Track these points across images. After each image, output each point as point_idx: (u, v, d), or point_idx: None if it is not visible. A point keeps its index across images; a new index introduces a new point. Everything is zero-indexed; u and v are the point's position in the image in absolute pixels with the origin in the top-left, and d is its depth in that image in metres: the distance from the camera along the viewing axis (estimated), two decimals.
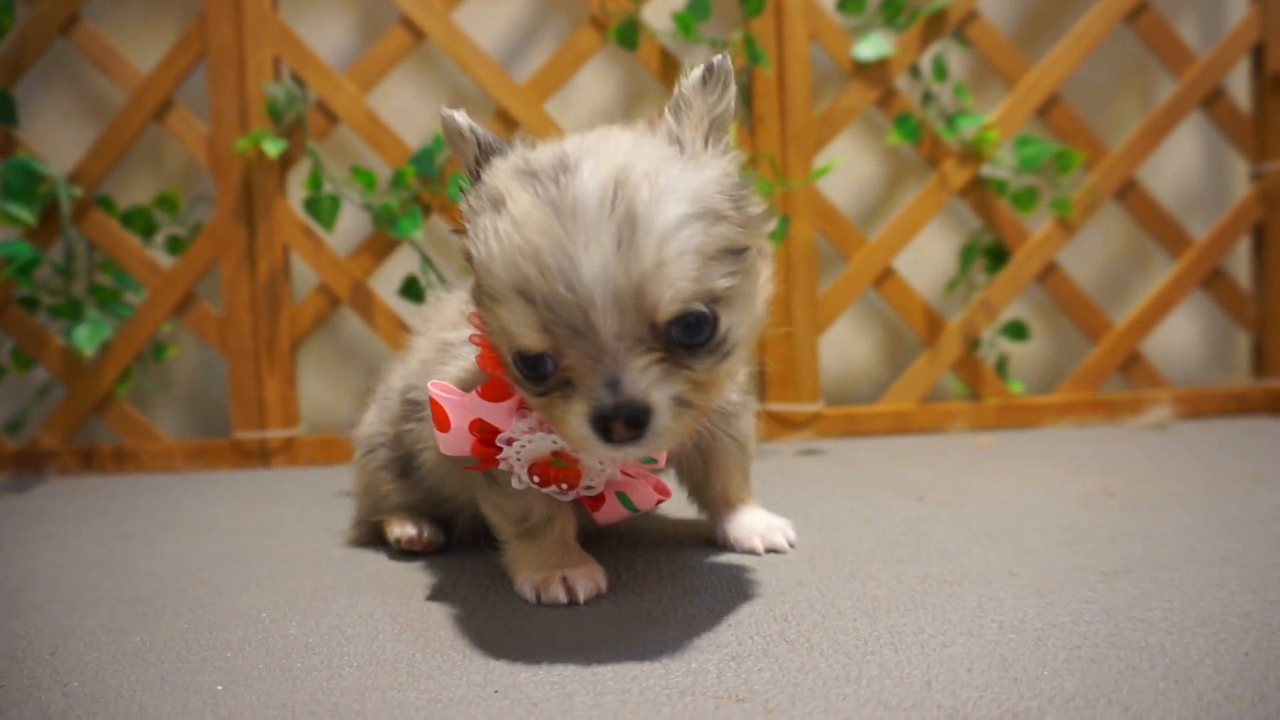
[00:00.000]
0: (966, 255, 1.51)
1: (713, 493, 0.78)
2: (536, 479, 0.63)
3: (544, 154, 0.56)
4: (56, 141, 1.46)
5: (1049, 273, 1.45)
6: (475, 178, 0.60)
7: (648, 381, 0.52)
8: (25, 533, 1.00)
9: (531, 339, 0.52)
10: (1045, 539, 0.77)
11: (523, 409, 0.61)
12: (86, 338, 1.34)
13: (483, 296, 0.56)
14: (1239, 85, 1.47)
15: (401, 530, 0.81)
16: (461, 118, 0.61)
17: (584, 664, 0.53)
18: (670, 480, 0.77)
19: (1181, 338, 1.57)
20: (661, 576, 0.71)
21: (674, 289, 0.51)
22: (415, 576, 0.75)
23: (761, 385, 1.41)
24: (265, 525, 0.99)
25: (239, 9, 1.35)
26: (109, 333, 1.37)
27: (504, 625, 0.62)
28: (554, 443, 0.60)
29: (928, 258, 1.54)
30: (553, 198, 0.52)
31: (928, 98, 1.44)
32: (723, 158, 0.59)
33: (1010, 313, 1.49)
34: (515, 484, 0.64)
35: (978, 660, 0.51)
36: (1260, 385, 1.46)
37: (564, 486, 0.63)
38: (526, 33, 1.52)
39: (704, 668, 0.52)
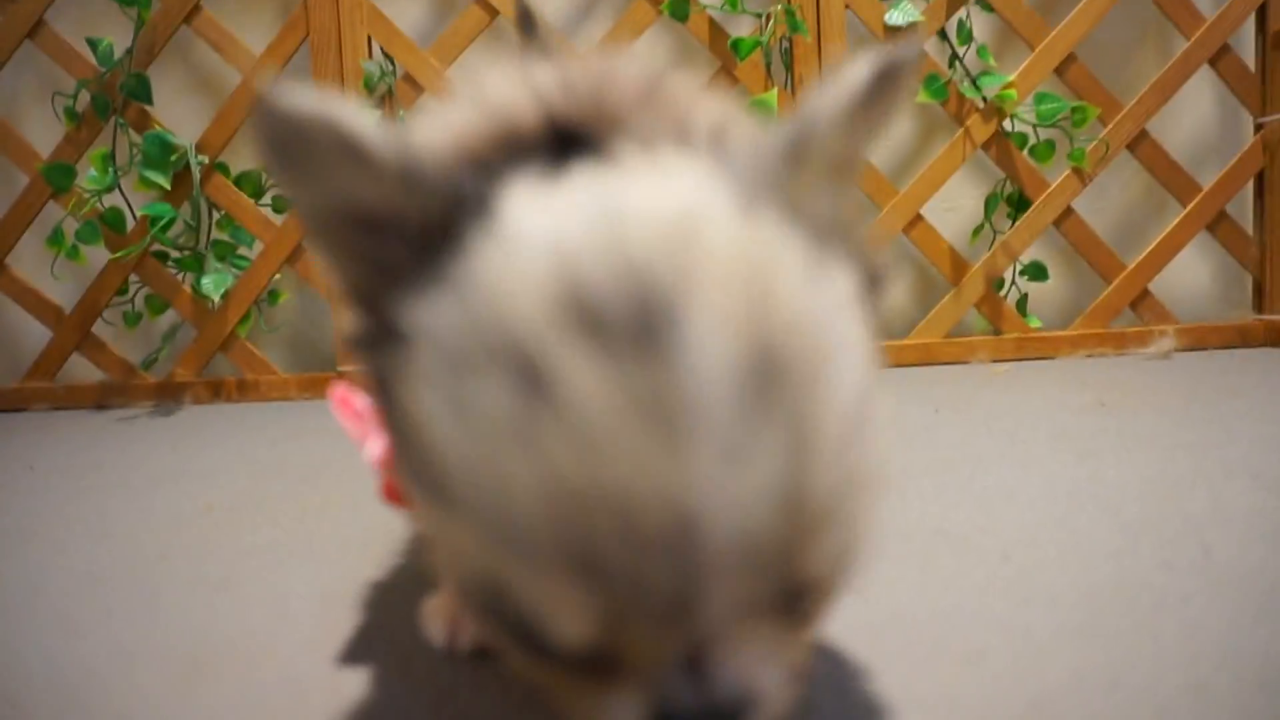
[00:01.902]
0: (990, 203, 1.65)
1: None
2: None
3: (597, 265, 0.27)
4: (175, 116, 1.66)
5: (1065, 218, 1.59)
6: (421, 259, 0.29)
7: (752, 661, 0.29)
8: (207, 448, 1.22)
9: (573, 630, 0.27)
10: (1036, 433, 0.94)
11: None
12: (213, 285, 1.55)
13: (429, 489, 0.29)
14: (1245, 44, 1.58)
15: None
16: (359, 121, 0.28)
17: None
18: None
19: (1189, 277, 1.70)
20: None
21: (851, 541, 0.29)
22: None
23: None
24: None
25: None
26: (231, 281, 1.58)
27: None
28: None
29: (955, 207, 1.68)
30: (647, 387, 0.26)
31: (953, 59, 1.58)
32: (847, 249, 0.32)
33: (1030, 255, 1.63)
34: None
35: (963, 505, 0.69)
36: (1260, 320, 1.59)
37: None
38: (585, 8, 1.68)
39: None
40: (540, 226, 0.28)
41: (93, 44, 1.54)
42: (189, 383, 1.63)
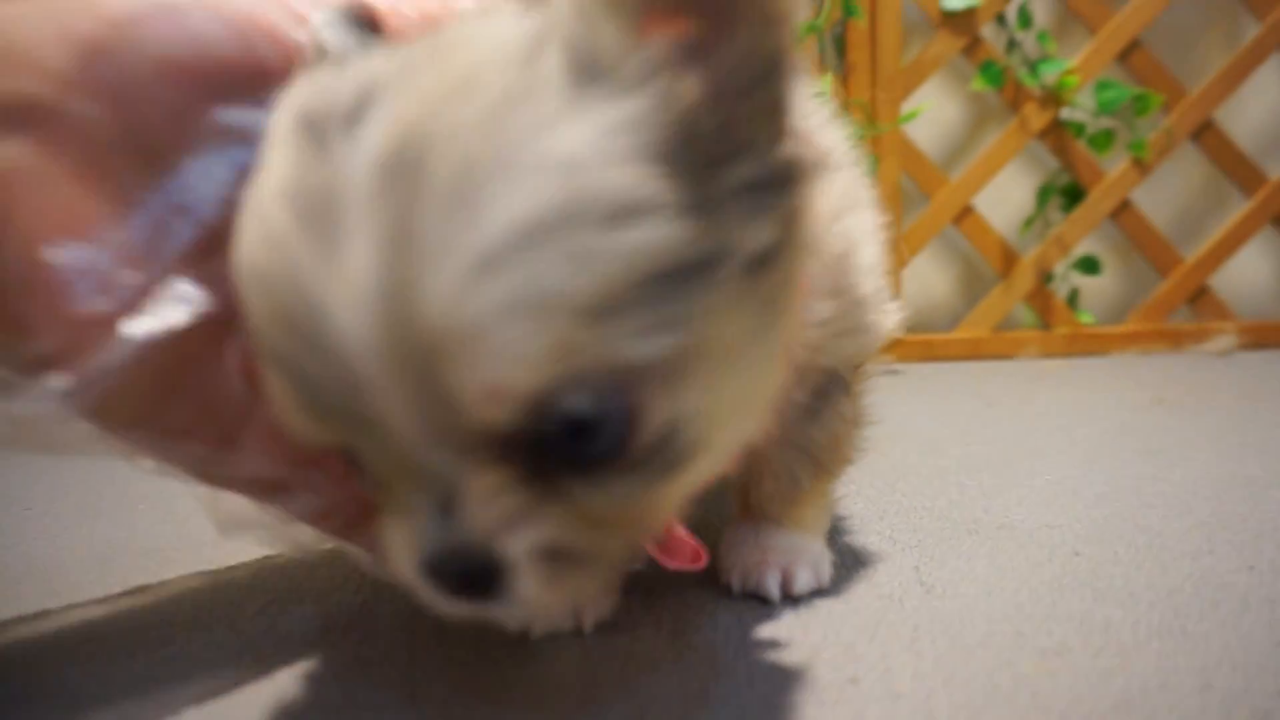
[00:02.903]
0: (1043, 194, 1.61)
1: (746, 498, 0.51)
2: None
3: (338, 78, 0.29)
4: None
5: (1122, 210, 1.54)
6: None
7: (492, 518, 0.29)
8: None
9: (302, 424, 0.30)
10: (1094, 430, 0.92)
11: None
12: None
13: None
14: None
15: None
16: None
17: None
18: None
19: (1251, 273, 1.65)
20: None
21: (495, 370, 0.26)
22: None
23: None
24: None
25: None
26: None
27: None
28: None
29: (1005, 197, 1.64)
30: (313, 175, 0.27)
31: (1012, 45, 1.54)
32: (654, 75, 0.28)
33: (1083, 248, 1.59)
34: None
35: (1028, 501, 0.67)
36: None
37: None
38: None
39: None
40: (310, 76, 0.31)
41: None
42: None
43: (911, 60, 1.51)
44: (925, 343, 1.55)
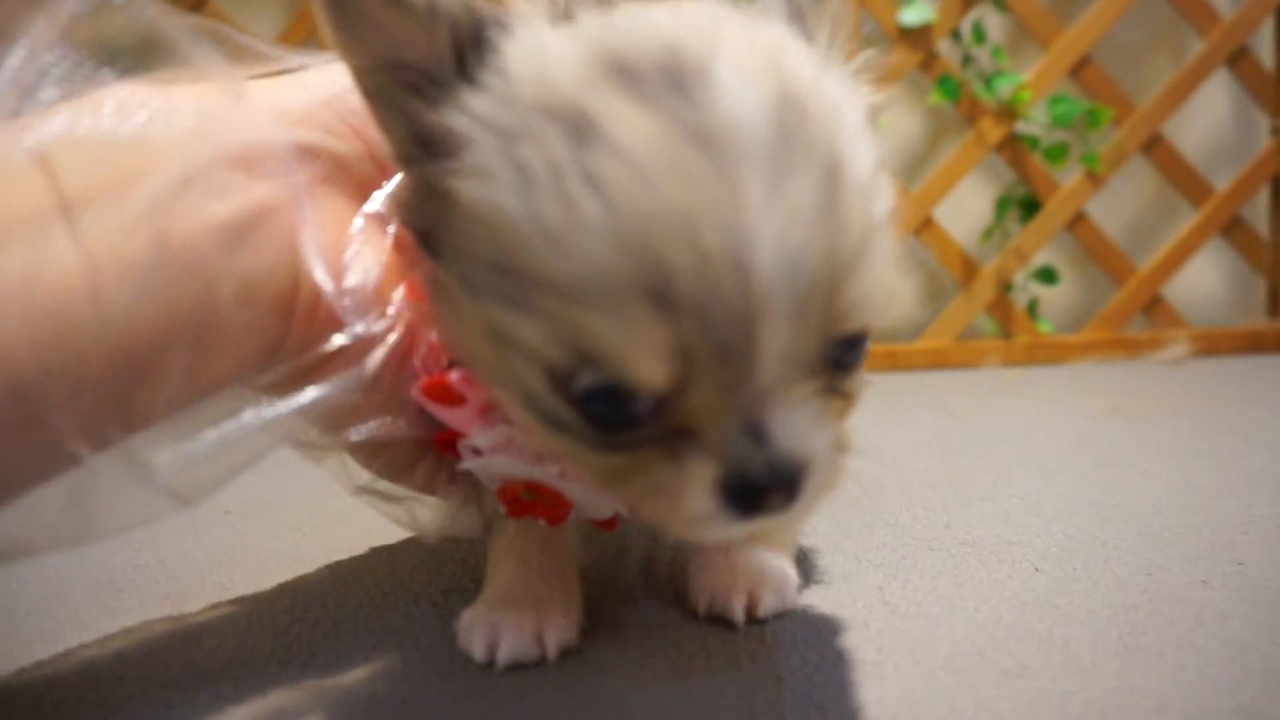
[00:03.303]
0: (1001, 206, 1.64)
1: None
2: (504, 507, 0.45)
3: (620, 34, 0.33)
4: None
5: (1078, 221, 1.58)
6: (460, 69, 0.34)
7: (805, 423, 0.33)
8: None
9: (653, 370, 0.31)
10: (1053, 440, 0.93)
11: (487, 415, 0.41)
12: None
13: (499, 289, 0.33)
14: (1264, 45, 1.57)
15: None
16: None
17: None
18: None
19: (1202, 281, 1.69)
20: None
21: (882, 280, 0.32)
22: None
23: None
24: None
25: None
26: None
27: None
28: (526, 472, 0.42)
29: (965, 209, 1.67)
30: (691, 122, 0.29)
31: (967, 60, 1.56)
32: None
33: (1041, 258, 1.62)
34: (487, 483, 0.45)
35: (989, 516, 0.68)
36: (1275, 326, 1.58)
37: (542, 521, 0.45)
38: None
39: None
40: (568, 31, 0.34)
41: None
42: None
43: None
44: (889, 353, 1.57)
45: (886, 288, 0.33)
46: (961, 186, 1.58)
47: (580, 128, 0.30)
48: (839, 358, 0.34)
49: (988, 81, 1.54)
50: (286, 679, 0.45)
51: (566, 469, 0.41)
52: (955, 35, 1.56)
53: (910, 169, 1.70)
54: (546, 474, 0.41)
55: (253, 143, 0.37)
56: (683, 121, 0.29)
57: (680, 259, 0.29)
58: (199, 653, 0.48)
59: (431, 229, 0.36)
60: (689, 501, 0.33)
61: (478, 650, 0.44)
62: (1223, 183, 1.59)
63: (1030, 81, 1.52)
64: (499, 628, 0.44)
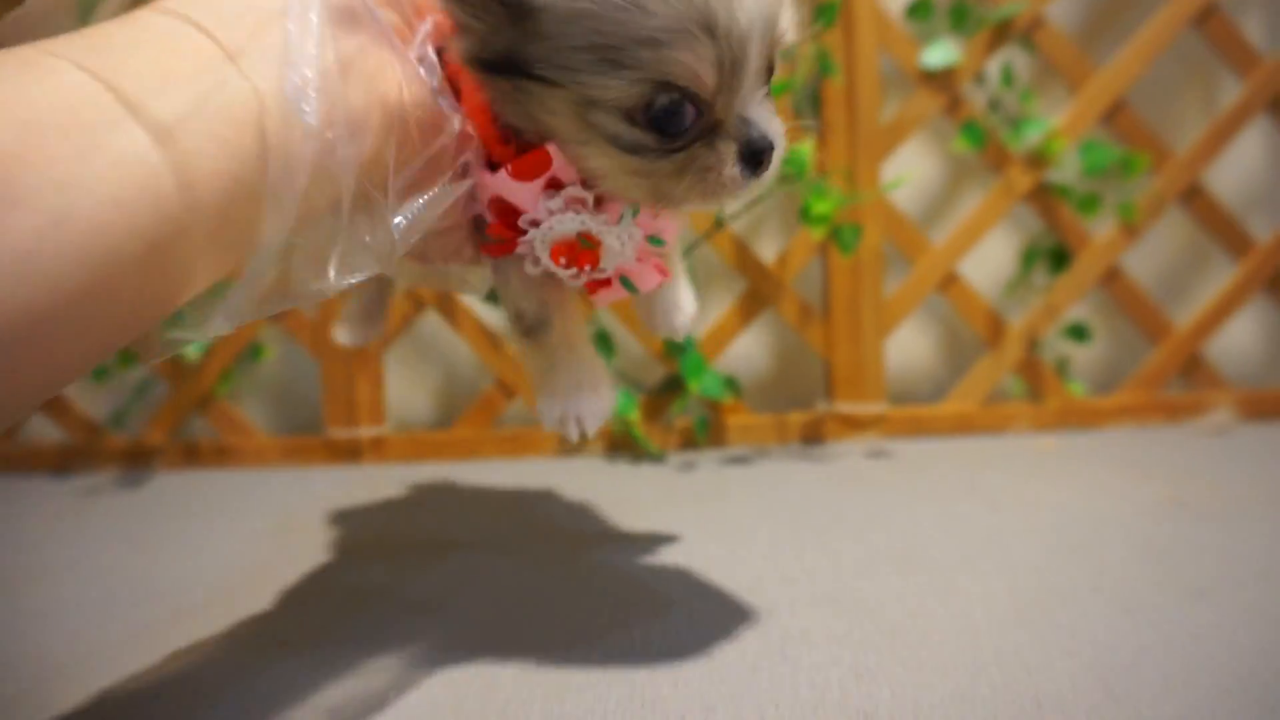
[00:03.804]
0: (1028, 258, 1.54)
1: None
2: (563, 260, 0.57)
3: None
4: None
5: (1112, 276, 1.47)
6: None
7: (769, 114, 0.52)
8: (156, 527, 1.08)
9: (710, 77, 0.48)
10: (1123, 553, 0.82)
11: (550, 188, 0.55)
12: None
13: (592, 65, 0.47)
14: None
15: None
16: None
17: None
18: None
19: (1242, 339, 1.59)
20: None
21: (788, 18, 0.51)
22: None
23: (829, 386, 1.46)
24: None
25: None
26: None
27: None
28: (581, 223, 0.55)
29: (988, 259, 1.57)
30: None
31: (994, 104, 1.46)
32: None
33: (1072, 315, 1.52)
34: (529, 268, 0.58)
35: (1080, 681, 0.57)
36: None
37: (587, 268, 0.57)
38: None
39: (826, 682, 0.58)
40: None
41: None
42: (160, 447, 1.49)
43: (891, 120, 1.43)
44: (912, 418, 1.46)
45: (790, 23, 0.52)
46: (986, 237, 1.48)
47: None
48: (769, 71, 0.52)
49: (1016, 127, 1.44)
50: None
51: (612, 214, 0.56)
52: (980, 78, 1.46)
53: (930, 218, 1.60)
54: (598, 222, 0.55)
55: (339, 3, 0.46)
56: None
57: (718, 7, 0.46)
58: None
59: (510, 51, 0.49)
60: (726, 168, 0.51)
61: (571, 431, 0.62)
62: (1260, 233, 1.49)
63: (1062, 128, 1.42)
64: (579, 410, 0.62)
